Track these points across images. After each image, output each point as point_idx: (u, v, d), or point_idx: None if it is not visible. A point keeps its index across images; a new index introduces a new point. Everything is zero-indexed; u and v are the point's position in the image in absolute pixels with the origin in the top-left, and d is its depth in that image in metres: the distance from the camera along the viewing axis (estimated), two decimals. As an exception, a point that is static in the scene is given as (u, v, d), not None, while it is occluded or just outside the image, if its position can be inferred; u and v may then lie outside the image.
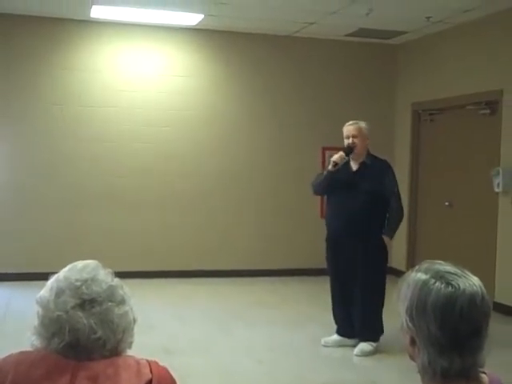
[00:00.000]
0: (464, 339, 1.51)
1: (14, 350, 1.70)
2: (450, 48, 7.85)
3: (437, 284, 1.53)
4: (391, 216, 5.45)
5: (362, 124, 5.51)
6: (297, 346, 5.63)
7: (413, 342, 1.57)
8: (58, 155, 7.93)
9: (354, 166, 5.48)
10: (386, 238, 5.45)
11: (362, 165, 5.47)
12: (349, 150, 5.41)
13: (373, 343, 5.44)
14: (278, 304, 7.12)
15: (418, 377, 1.63)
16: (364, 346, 5.42)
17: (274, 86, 8.60)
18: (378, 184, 5.39)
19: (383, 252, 5.50)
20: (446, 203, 7.86)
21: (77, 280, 1.67)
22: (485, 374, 1.58)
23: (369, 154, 5.53)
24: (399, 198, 5.54)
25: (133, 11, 7.39)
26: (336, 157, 5.37)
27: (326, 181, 5.46)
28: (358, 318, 5.46)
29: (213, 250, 8.40)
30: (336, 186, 5.42)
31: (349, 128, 5.49)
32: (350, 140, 5.42)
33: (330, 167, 5.41)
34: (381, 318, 5.46)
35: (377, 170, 5.46)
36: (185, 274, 8.14)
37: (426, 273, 1.57)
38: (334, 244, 5.57)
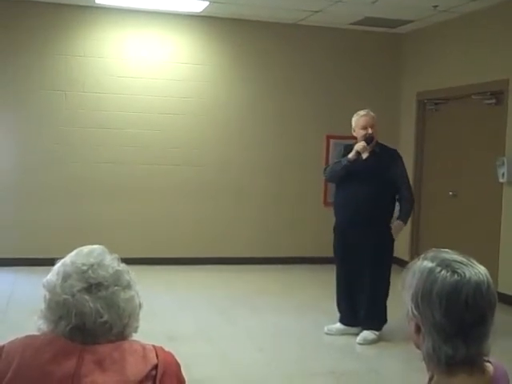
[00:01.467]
0: (469, 327, 1.51)
1: (20, 335, 1.71)
2: (456, 37, 7.81)
3: (443, 272, 1.53)
4: (404, 203, 5.48)
5: (372, 113, 5.52)
6: (300, 333, 5.65)
7: (418, 330, 1.57)
8: (62, 142, 7.93)
9: (364, 155, 5.48)
10: (399, 224, 5.44)
11: (372, 153, 5.46)
12: (370, 140, 5.41)
13: (376, 332, 5.45)
14: (281, 292, 7.14)
15: (421, 365, 1.63)
16: (367, 334, 5.43)
17: (279, 74, 8.57)
18: (387, 173, 5.39)
19: (390, 242, 5.51)
20: (450, 193, 7.85)
21: (83, 264, 1.68)
22: (490, 362, 1.58)
23: (378, 143, 5.53)
24: (409, 186, 5.58)
25: (138, -2, 7.37)
26: (360, 147, 5.38)
27: (345, 170, 5.44)
28: (363, 307, 5.47)
29: (217, 237, 8.42)
30: (349, 175, 5.42)
31: (366, 118, 5.45)
32: (370, 130, 5.41)
33: (350, 156, 5.39)
34: (385, 307, 5.48)
35: (387, 158, 5.46)
36: (188, 262, 8.16)
37: (432, 261, 1.57)
38: (341, 233, 5.57)
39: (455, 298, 1.50)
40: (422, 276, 1.55)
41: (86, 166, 8.00)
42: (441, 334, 1.52)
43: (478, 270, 1.54)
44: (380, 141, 5.60)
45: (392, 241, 5.53)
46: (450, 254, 1.59)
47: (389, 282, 5.46)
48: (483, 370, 1.55)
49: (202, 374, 4.43)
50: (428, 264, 1.57)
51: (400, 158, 5.58)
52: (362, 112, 5.52)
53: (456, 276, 1.52)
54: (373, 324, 5.47)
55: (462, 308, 1.49)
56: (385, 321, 5.50)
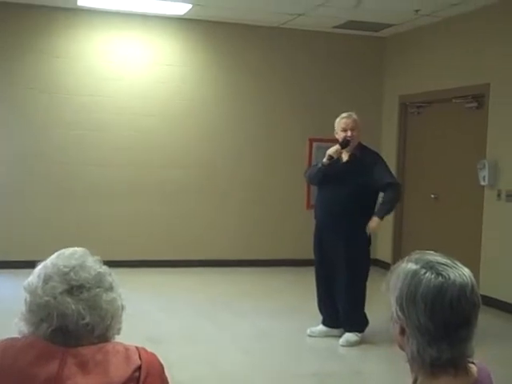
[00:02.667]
0: (453, 329, 1.51)
1: (1, 337, 1.69)
2: (437, 41, 7.86)
3: (427, 274, 1.53)
4: (386, 197, 5.39)
5: (355, 116, 5.50)
6: (283, 336, 5.65)
7: (402, 332, 1.57)
8: (44, 143, 7.87)
9: (345, 157, 5.48)
10: (375, 219, 5.34)
11: (353, 157, 5.46)
12: (345, 143, 5.39)
13: (358, 333, 5.46)
14: (264, 294, 7.13)
15: (404, 367, 1.63)
16: (349, 336, 5.44)
17: (262, 77, 8.58)
18: (366, 176, 5.36)
19: (366, 244, 5.51)
20: (432, 196, 7.90)
21: (65, 266, 1.66)
22: (473, 364, 1.59)
23: (359, 145, 5.52)
24: (396, 182, 5.51)
25: (120, 0, 7.32)
26: (332, 150, 5.37)
27: (321, 173, 5.45)
28: (342, 309, 5.48)
29: (200, 239, 8.40)
30: (328, 177, 5.42)
31: (346, 121, 5.44)
32: (349, 133, 5.39)
33: (324, 160, 5.40)
34: (363, 309, 5.48)
35: (367, 162, 5.44)
36: (170, 264, 8.13)
37: (416, 263, 1.57)
38: (320, 234, 5.58)
39: (440, 300, 1.50)
40: (407, 278, 1.55)
41: (70, 168, 7.95)
42: (425, 336, 1.52)
43: (462, 272, 1.54)
44: (363, 143, 5.60)
45: (369, 243, 5.52)
46: (434, 256, 1.59)
47: (365, 284, 5.47)
48: (467, 372, 1.56)
49: (185, 377, 4.41)
50: (412, 266, 1.57)
51: (379, 157, 5.58)
52: (344, 114, 5.52)
53: (440, 278, 1.52)
54: (355, 326, 5.48)
55: (446, 310, 1.50)
56: (366, 322, 5.51)
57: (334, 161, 5.41)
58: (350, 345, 5.40)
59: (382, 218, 5.39)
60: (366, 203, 5.40)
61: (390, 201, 5.42)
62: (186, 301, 6.72)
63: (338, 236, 5.39)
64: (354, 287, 5.42)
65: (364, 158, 5.46)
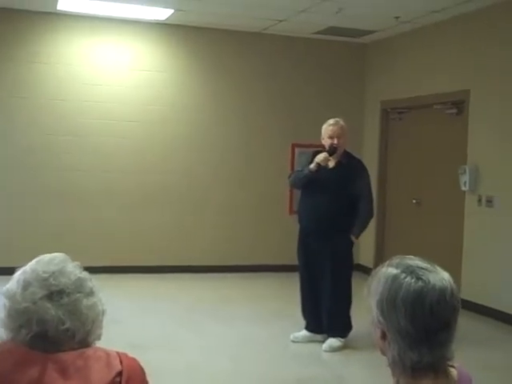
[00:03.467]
0: (434, 333, 1.52)
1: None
2: (418, 47, 7.93)
3: (407, 279, 1.54)
4: (360, 216, 5.47)
5: (342, 122, 5.52)
6: (266, 341, 5.64)
7: (383, 336, 1.58)
8: (23, 149, 7.81)
9: (331, 164, 5.50)
10: (352, 237, 5.47)
11: (338, 164, 5.49)
12: (332, 151, 5.42)
13: (341, 339, 5.47)
14: (246, 300, 7.12)
15: (386, 372, 1.64)
16: (332, 341, 5.45)
17: (243, 83, 8.59)
18: (350, 184, 5.41)
19: (350, 249, 5.53)
20: (414, 201, 7.94)
21: (44, 272, 1.65)
22: (453, 367, 1.60)
23: (345, 152, 5.55)
24: (371, 200, 5.59)
25: (101, 4, 7.31)
26: (320, 158, 5.38)
27: (306, 179, 5.48)
28: (326, 314, 5.49)
29: (181, 245, 8.37)
30: (312, 183, 5.45)
31: (333, 128, 5.46)
32: (335, 141, 5.41)
33: (311, 166, 5.40)
34: (349, 314, 5.50)
35: (351, 169, 5.48)
36: (152, 270, 8.10)
37: (396, 267, 1.58)
38: (304, 239, 5.60)
39: (420, 304, 1.51)
40: (387, 283, 1.56)
41: (49, 174, 7.90)
42: (406, 340, 1.53)
43: (441, 276, 1.55)
44: (348, 150, 5.63)
45: (350, 249, 5.54)
46: (414, 261, 1.60)
47: (350, 290, 5.50)
48: (447, 375, 1.57)
49: (165, 382, 4.38)
50: (393, 271, 1.57)
51: (364, 169, 5.60)
52: (331, 121, 5.54)
53: (420, 282, 1.53)
54: (338, 331, 5.49)
55: (426, 314, 1.50)
56: (350, 327, 5.52)
57: (321, 167, 5.44)
58: (333, 350, 5.41)
59: (358, 236, 5.54)
60: (350, 209, 5.43)
61: (363, 220, 5.52)
62: (166, 307, 6.69)
63: (323, 241, 5.41)
64: (338, 292, 5.43)
65: (349, 166, 5.50)
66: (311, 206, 5.51)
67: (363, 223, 5.53)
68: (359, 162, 5.65)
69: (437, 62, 7.57)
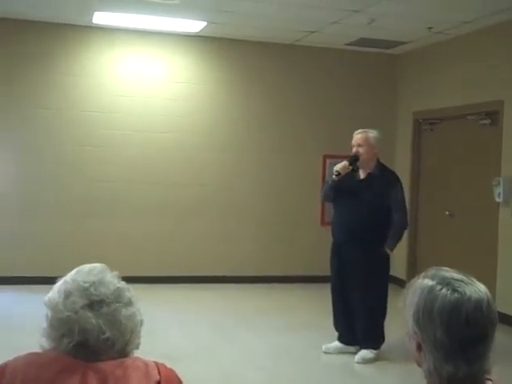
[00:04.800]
0: (470, 345, 1.51)
1: (19, 353, 1.70)
2: (450, 58, 7.88)
3: (443, 290, 1.54)
4: (394, 228, 5.42)
5: (371, 133, 5.50)
6: (298, 352, 5.63)
7: (419, 348, 1.57)
8: (60, 161, 7.94)
9: (362, 175, 5.49)
10: (386, 250, 5.42)
11: (369, 175, 5.47)
12: (353, 159, 5.42)
13: (374, 350, 5.44)
14: (279, 311, 7.12)
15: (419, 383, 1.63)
16: (365, 353, 5.42)
17: (276, 94, 8.62)
18: (381, 196, 5.38)
19: (385, 261, 5.49)
20: (447, 212, 7.87)
21: (85, 282, 1.68)
22: (490, 380, 1.59)
23: (378, 164, 5.52)
24: (405, 212, 5.53)
25: (135, 17, 7.42)
26: (339, 166, 5.39)
27: (331, 190, 5.50)
28: (359, 326, 5.46)
29: (215, 256, 8.41)
30: (343, 194, 5.44)
31: (356, 137, 5.50)
32: (354, 149, 5.44)
33: (333, 176, 5.43)
34: (382, 326, 5.47)
35: (384, 181, 5.44)
36: (186, 280, 8.15)
37: (432, 279, 1.58)
38: (336, 251, 5.59)
39: (456, 315, 1.50)
40: (423, 294, 1.56)
41: (85, 184, 8.01)
42: (441, 352, 1.53)
43: (477, 288, 1.55)
44: (383, 162, 5.61)
45: (387, 261, 5.51)
46: (449, 272, 1.60)
47: (385, 301, 5.46)
48: (485, 388, 1.56)
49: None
50: (428, 282, 1.58)
51: (398, 180, 5.55)
52: (358, 130, 5.56)
53: (456, 294, 1.52)
54: (371, 343, 5.46)
55: (462, 326, 1.50)
56: (382, 340, 5.49)
57: (352, 178, 5.43)
58: (366, 362, 5.38)
59: (392, 248, 5.47)
60: (382, 221, 5.40)
61: (397, 232, 5.46)
62: (201, 317, 6.71)
63: (355, 253, 5.39)
64: (372, 304, 5.40)
65: (381, 177, 5.47)
66: (343, 217, 5.51)
67: (397, 235, 5.47)
68: (392, 173, 5.62)
69: (470, 73, 7.52)
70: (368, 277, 5.36)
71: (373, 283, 5.38)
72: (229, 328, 6.33)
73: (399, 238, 5.52)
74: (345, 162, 5.40)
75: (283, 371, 5.17)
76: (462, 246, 7.58)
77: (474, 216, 7.47)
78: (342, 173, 5.38)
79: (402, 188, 5.54)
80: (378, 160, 5.53)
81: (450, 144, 7.96)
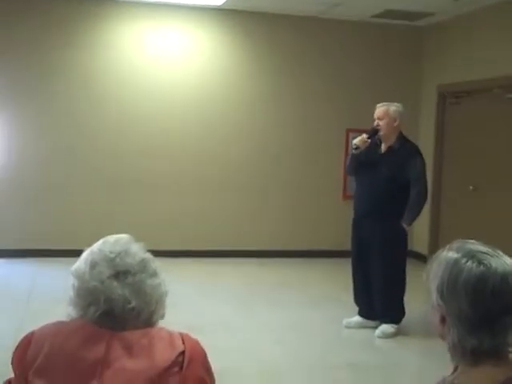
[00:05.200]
0: (495, 318, 1.51)
1: (45, 323, 1.74)
2: (477, 30, 7.75)
3: (468, 263, 1.53)
4: (411, 203, 5.35)
5: (392, 106, 5.44)
6: (319, 326, 5.66)
7: (443, 321, 1.57)
8: (83, 134, 7.98)
9: (383, 149, 5.47)
10: (403, 224, 5.37)
11: (389, 148, 5.44)
12: (373, 132, 5.40)
13: (394, 325, 5.45)
14: (300, 285, 7.15)
15: (440, 359, 1.63)
16: (385, 327, 5.43)
17: (299, 68, 8.56)
18: (401, 169, 5.33)
19: (403, 235, 5.45)
20: (471, 187, 7.80)
21: (111, 252, 1.70)
22: (514, 353, 1.59)
23: (400, 138, 5.46)
24: (424, 185, 5.42)
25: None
26: (357, 140, 5.39)
27: (353, 163, 5.50)
28: (378, 300, 5.46)
29: (239, 231, 8.44)
30: (364, 168, 5.43)
31: (377, 110, 5.47)
32: (375, 122, 5.42)
33: (352, 151, 5.41)
34: (402, 300, 5.47)
35: (403, 154, 5.39)
36: (211, 254, 8.20)
37: (457, 251, 1.57)
38: (357, 225, 5.59)
39: (481, 288, 1.50)
40: (448, 267, 1.56)
41: (109, 159, 8.04)
42: (466, 325, 1.52)
43: (503, 261, 1.54)
44: (405, 135, 5.57)
45: (404, 235, 5.46)
46: (475, 245, 1.59)
47: (403, 276, 5.46)
48: (508, 361, 1.55)
49: (220, 366, 4.41)
50: (453, 255, 1.57)
51: (418, 154, 5.47)
52: (380, 104, 5.53)
53: (482, 267, 1.52)
54: (391, 317, 5.46)
55: (488, 298, 1.50)
56: (403, 314, 5.49)
57: (374, 151, 5.40)
58: (386, 336, 5.39)
59: (410, 222, 5.40)
60: (401, 195, 5.35)
61: (414, 206, 5.36)
62: (223, 290, 6.77)
63: (375, 227, 5.37)
64: (391, 278, 5.39)
65: (402, 150, 5.42)
66: (363, 191, 5.50)
67: (414, 209, 5.38)
68: (412, 146, 5.54)
69: (496, 44, 7.39)
70: (386, 251, 5.34)
71: (390, 257, 5.36)
72: (250, 302, 6.38)
73: (417, 212, 5.43)
74: (363, 136, 5.39)
75: (303, 345, 5.20)
76: (485, 221, 7.52)
77: (498, 191, 7.40)
78: (361, 146, 5.36)
79: (422, 161, 5.45)
80: (400, 133, 5.48)
81: (476, 118, 7.86)
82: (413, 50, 8.86)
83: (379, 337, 5.39)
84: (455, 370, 1.60)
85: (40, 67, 7.82)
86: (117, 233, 1.86)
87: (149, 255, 1.77)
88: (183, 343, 1.65)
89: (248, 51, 8.43)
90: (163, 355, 1.60)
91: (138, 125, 8.12)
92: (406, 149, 5.44)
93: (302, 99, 8.57)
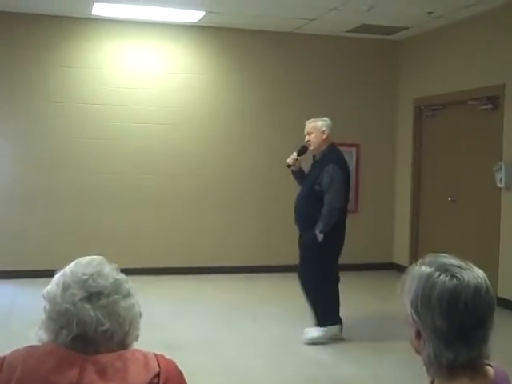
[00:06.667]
0: (469, 331, 1.51)
1: (21, 346, 1.70)
2: (451, 43, 7.84)
3: (441, 277, 1.54)
4: (322, 212, 5.40)
5: (320, 121, 5.64)
6: (299, 341, 5.64)
7: (418, 335, 1.57)
8: (60, 153, 7.93)
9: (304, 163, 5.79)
10: (316, 232, 5.41)
11: (314, 160, 5.68)
12: (303, 150, 5.72)
13: (319, 328, 5.53)
14: (280, 300, 7.12)
15: (419, 371, 1.63)
16: (309, 330, 5.55)
17: (276, 83, 8.59)
18: (317, 179, 5.47)
19: (315, 243, 5.43)
20: (449, 198, 7.86)
21: (83, 274, 1.68)
22: (490, 366, 1.59)
23: (328, 149, 5.57)
24: (333, 195, 5.38)
25: (134, 9, 7.39)
26: (289, 159, 5.72)
27: (295, 178, 5.84)
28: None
29: (215, 246, 8.41)
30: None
31: (306, 126, 5.73)
32: (306, 138, 5.65)
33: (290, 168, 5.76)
34: (329, 306, 5.53)
35: (321, 165, 5.51)
36: (186, 271, 8.15)
37: (430, 266, 1.58)
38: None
39: (455, 301, 1.50)
40: (421, 281, 1.56)
41: (86, 177, 8.00)
42: (441, 339, 1.53)
43: (476, 274, 1.55)
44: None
45: (316, 242, 5.42)
46: (447, 259, 1.60)
47: (327, 283, 5.54)
48: (484, 374, 1.56)
49: (202, 383, 4.41)
50: (426, 269, 1.57)
51: (332, 163, 5.43)
52: (308, 120, 5.76)
53: (455, 280, 1.52)
54: (316, 321, 5.58)
55: (461, 312, 1.50)
56: (331, 320, 5.53)
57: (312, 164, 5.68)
58: (309, 338, 5.49)
59: (321, 231, 5.43)
60: (316, 203, 5.43)
61: (323, 216, 5.40)
62: (202, 307, 6.73)
63: (301, 236, 5.68)
64: (312, 285, 5.55)
65: (321, 161, 5.55)
66: (295, 202, 5.74)
67: (323, 218, 5.38)
68: (332, 156, 5.53)
69: (470, 58, 7.48)
70: (303, 258, 5.61)
71: (307, 264, 5.56)
72: (229, 318, 6.34)
73: (328, 221, 5.39)
74: (294, 154, 5.69)
75: (284, 360, 5.18)
76: (464, 232, 7.58)
77: (476, 201, 7.46)
78: (292, 164, 5.69)
79: (335, 170, 5.40)
80: (330, 145, 5.61)
81: (452, 130, 7.94)
82: (389, 64, 8.93)
83: (306, 343, 5.46)
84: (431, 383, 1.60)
85: (15, 84, 7.77)
86: (92, 253, 1.85)
87: (122, 276, 1.75)
88: (158, 365, 1.63)
89: (225, 67, 8.44)
90: (138, 378, 1.58)
91: (114, 141, 8.09)
92: (324, 159, 5.54)
93: (279, 113, 8.59)
